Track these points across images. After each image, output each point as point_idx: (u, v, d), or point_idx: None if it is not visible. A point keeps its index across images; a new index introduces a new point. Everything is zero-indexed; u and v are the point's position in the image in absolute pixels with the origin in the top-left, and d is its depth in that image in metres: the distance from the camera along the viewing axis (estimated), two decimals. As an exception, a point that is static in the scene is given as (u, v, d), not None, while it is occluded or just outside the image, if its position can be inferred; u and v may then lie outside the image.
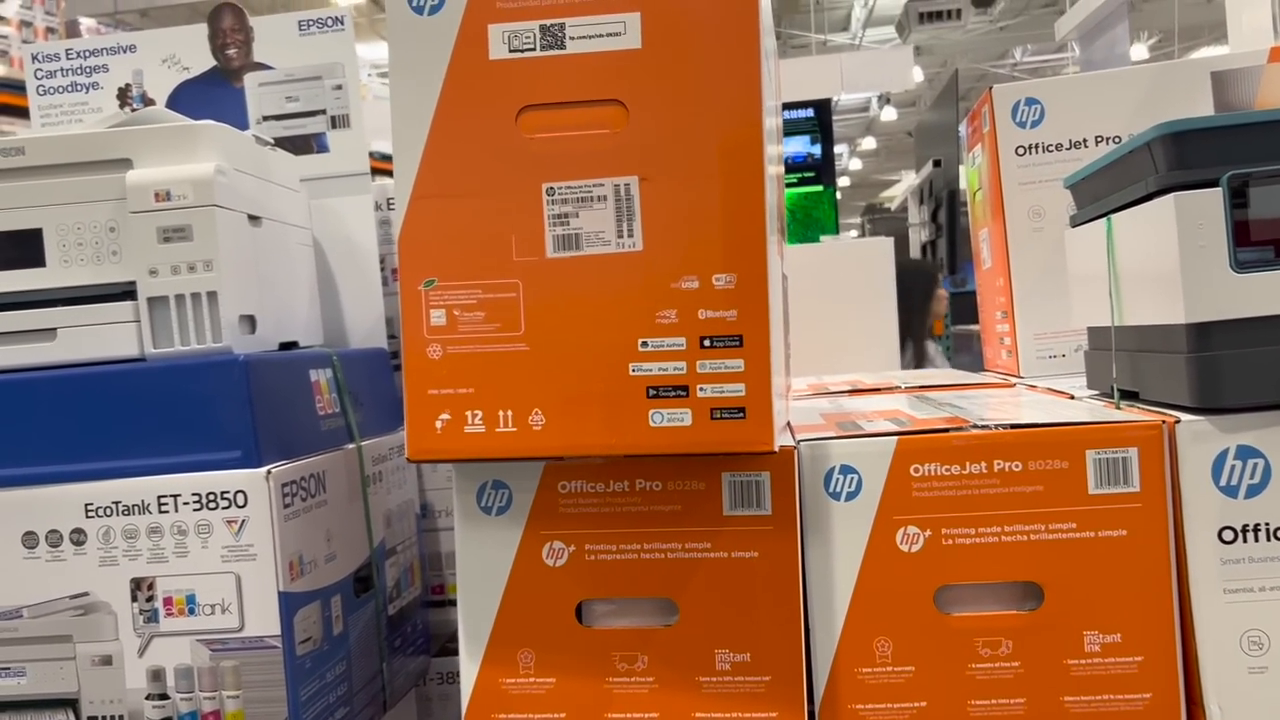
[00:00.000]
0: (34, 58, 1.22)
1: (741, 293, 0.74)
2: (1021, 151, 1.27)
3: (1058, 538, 0.79)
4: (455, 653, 0.94)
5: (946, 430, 0.81)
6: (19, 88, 5.14)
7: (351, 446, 1.03)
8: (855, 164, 15.53)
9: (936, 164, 4.00)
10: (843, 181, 15.93)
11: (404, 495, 1.16)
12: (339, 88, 1.19)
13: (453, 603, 1.23)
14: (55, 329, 0.91)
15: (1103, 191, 0.93)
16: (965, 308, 4.92)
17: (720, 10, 0.74)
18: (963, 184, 4.14)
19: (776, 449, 0.74)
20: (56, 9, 6.34)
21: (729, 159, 0.74)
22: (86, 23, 6.86)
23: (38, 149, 0.91)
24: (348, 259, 1.21)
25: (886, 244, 1.90)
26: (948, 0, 9.02)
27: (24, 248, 0.91)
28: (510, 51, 0.76)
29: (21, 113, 5.95)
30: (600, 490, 0.83)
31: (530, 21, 0.76)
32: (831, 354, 1.74)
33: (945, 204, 3.95)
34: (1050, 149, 1.26)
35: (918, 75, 8.22)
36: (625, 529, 0.82)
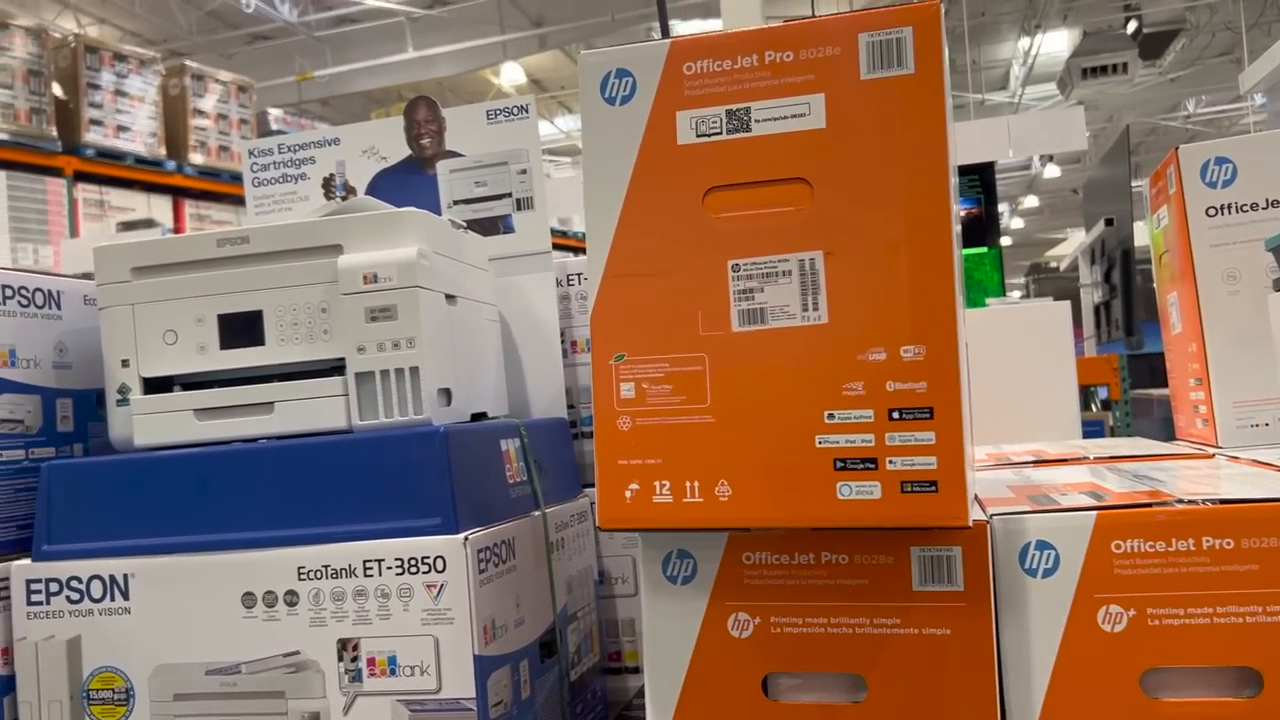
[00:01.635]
0: (250, 153, 1.34)
1: (931, 364, 0.74)
2: (1213, 212, 1.22)
3: (1277, 621, 0.74)
4: (637, 721, 0.95)
5: (1149, 505, 0.78)
6: (216, 175, 5.56)
7: (537, 513, 1.07)
8: (1017, 223, 15.10)
9: (1109, 223, 3.85)
10: (1004, 241, 15.50)
11: (584, 561, 1.19)
12: (523, 172, 1.25)
13: (630, 670, 1.24)
14: (273, 403, 0.99)
15: (1311, 254, 0.88)
16: (1141, 371, 4.69)
17: (905, 88, 0.75)
18: (1139, 242, 3.97)
19: (970, 524, 0.73)
20: (249, 102, 6.90)
21: (916, 232, 0.74)
22: (274, 112, 7.43)
23: (260, 238, 1.00)
24: (530, 333, 1.26)
25: (1063, 309, 1.84)
26: (1112, 55, 8.76)
27: (246, 328, 1.00)
28: (698, 136, 0.79)
29: (218, 198, 6.44)
30: (785, 562, 0.83)
31: (717, 107, 0.79)
32: (1008, 422, 1.69)
33: (1119, 264, 3.79)
34: (1244, 209, 1.21)
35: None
36: (811, 602, 0.82)
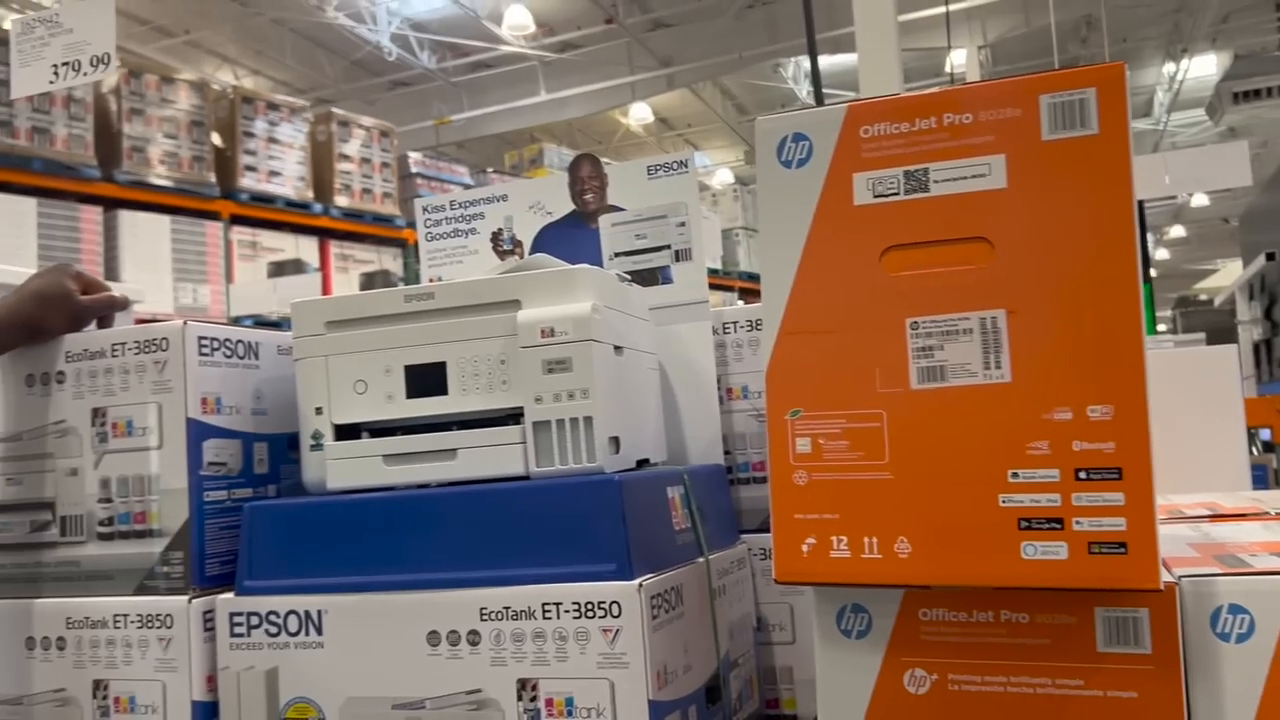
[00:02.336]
0: (424, 209, 1.41)
1: (1120, 424, 0.73)
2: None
3: None
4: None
5: (1354, 571, 0.75)
6: (359, 216, 5.80)
7: (700, 560, 1.09)
8: (1163, 254, 14.49)
9: (1270, 257, 3.68)
10: (1149, 273, 14.88)
11: (744, 608, 1.20)
12: (682, 224, 1.29)
13: (788, 717, 1.24)
14: (456, 449, 1.04)
15: None
16: (1308, 411, 4.42)
17: (1088, 148, 0.75)
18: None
19: (1161, 586, 0.72)
20: (390, 146, 7.21)
21: (1102, 290, 0.74)
22: (414, 156, 7.75)
23: (444, 293, 1.06)
24: (688, 380, 1.29)
25: (1229, 353, 1.77)
26: (1267, 77, 8.36)
27: (431, 378, 1.05)
28: (875, 197, 0.81)
29: (361, 238, 6.72)
30: (963, 619, 0.83)
31: (894, 169, 0.80)
32: (1174, 471, 1.63)
33: (1281, 299, 3.61)
34: None
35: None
36: (990, 660, 0.82)
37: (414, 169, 7.60)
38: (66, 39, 1.31)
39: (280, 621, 1.02)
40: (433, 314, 1.06)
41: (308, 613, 1.02)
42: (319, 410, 1.08)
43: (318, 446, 1.08)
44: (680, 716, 0.97)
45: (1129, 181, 0.74)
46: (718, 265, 8.39)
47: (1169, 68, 10.11)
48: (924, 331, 0.79)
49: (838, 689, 0.86)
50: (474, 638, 0.96)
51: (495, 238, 1.37)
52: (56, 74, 1.33)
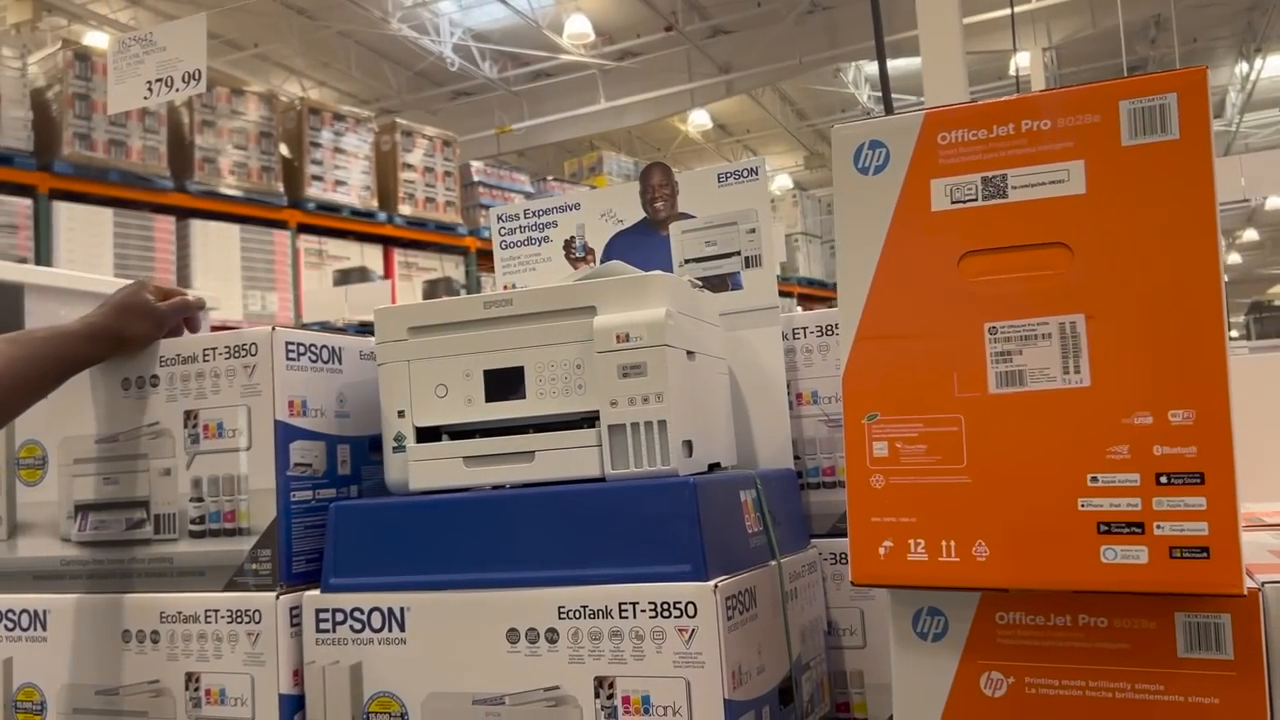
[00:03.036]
0: (499, 218, 1.45)
1: (1202, 429, 0.73)
2: None
3: None
4: (879, 773, 0.97)
5: None
6: (423, 224, 5.90)
7: (773, 564, 1.10)
8: (1235, 258, 14.13)
9: (1349, 261, 3.58)
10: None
11: (814, 612, 1.21)
12: (752, 231, 1.30)
13: (859, 721, 1.25)
14: (533, 451, 1.06)
15: None
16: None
17: (1169, 154, 0.75)
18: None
19: (1245, 591, 0.72)
20: (453, 155, 7.31)
21: (1185, 297, 0.74)
22: (476, 165, 7.85)
23: (522, 300, 1.08)
24: (758, 385, 1.30)
25: (1310, 358, 1.74)
26: (1345, 75, 8.12)
27: (510, 383, 1.08)
28: (952, 203, 0.82)
29: (424, 246, 6.82)
30: (1040, 623, 0.83)
31: (972, 175, 0.81)
32: (1250, 478, 1.60)
33: (1362, 304, 3.51)
34: None
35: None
36: (1068, 664, 0.82)
37: (476, 178, 7.70)
38: (160, 57, 1.37)
39: (364, 618, 1.06)
40: (511, 320, 1.09)
41: (390, 610, 1.05)
42: (401, 413, 1.11)
43: (400, 448, 1.11)
44: (755, 717, 0.98)
45: (1211, 186, 0.74)
46: (778, 271, 8.37)
47: (1242, 67, 9.87)
48: (1002, 336, 0.80)
49: (914, 692, 0.86)
50: (552, 635, 0.98)
51: (568, 245, 1.40)
52: (150, 90, 1.39)
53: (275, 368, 1.12)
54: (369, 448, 1.23)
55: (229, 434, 1.14)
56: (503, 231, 1.44)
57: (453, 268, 7.18)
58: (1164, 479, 0.74)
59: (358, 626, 1.06)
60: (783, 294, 8.43)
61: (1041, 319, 0.79)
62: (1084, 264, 0.78)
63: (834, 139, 0.87)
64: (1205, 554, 0.73)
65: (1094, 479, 0.76)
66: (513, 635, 1.00)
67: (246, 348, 1.13)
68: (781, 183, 12.87)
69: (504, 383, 1.08)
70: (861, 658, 1.25)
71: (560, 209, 1.40)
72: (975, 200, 0.81)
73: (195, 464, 1.15)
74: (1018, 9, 6.80)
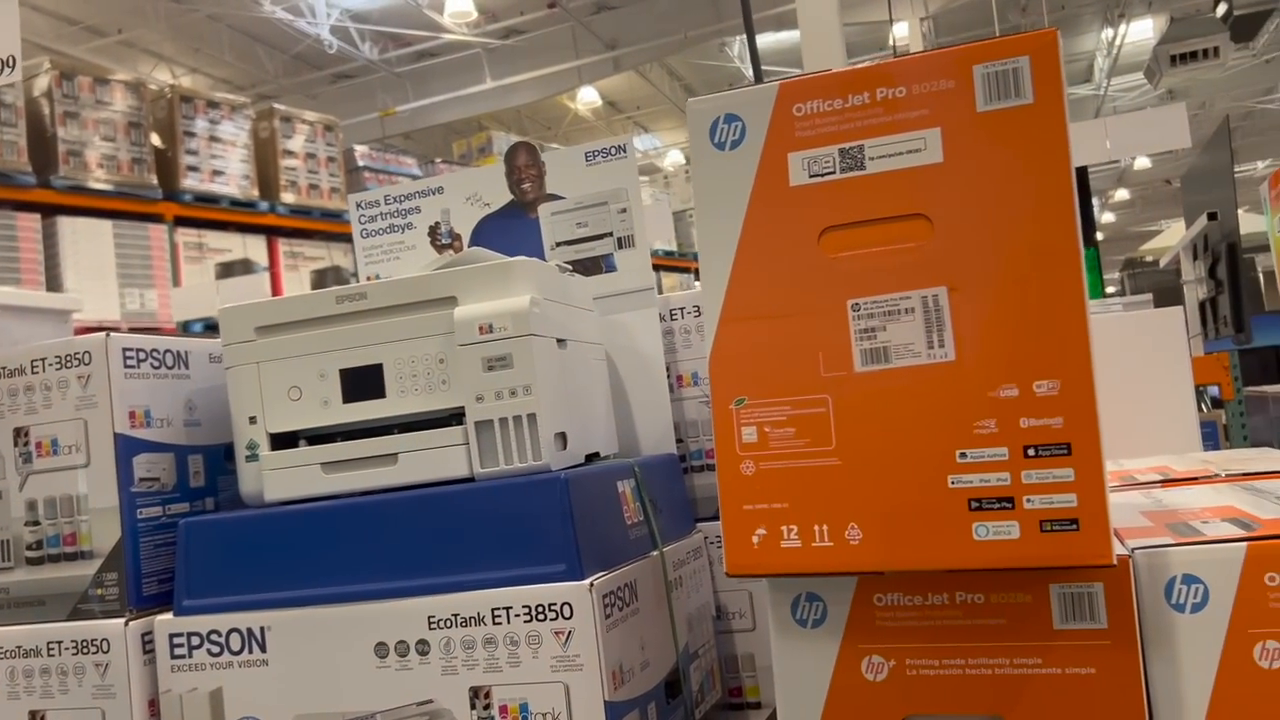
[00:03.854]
0: (358, 205, 1.37)
1: (1066, 399, 0.72)
2: (1343, 214, 1.16)
3: None
4: (768, 762, 0.94)
5: (1304, 535, 0.74)
6: (307, 212, 5.72)
7: (655, 553, 1.07)
8: (1108, 217, 14.68)
9: (1212, 216, 3.72)
10: (1096, 236, 15.09)
11: (702, 598, 1.18)
12: (624, 211, 1.26)
13: (752, 705, 1.23)
14: (397, 454, 1.01)
15: None
16: (1253, 367, 4.49)
17: (1024, 118, 0.73)
18: (1245, 230, 3.82)
19: (1114, 561, 0.71)
20: (335, 140, 7.10)
21: (1043, 264, 0.73)
22: (360, 149, 7.64)
23: (377, 293, 1.02)
24: (637, 369, 1.27)
25: (1176, 315, 1.78)
26: (1202, 39, 8.47)
27: (368, 381, 1.02)
28: (810, 177, 0.79)
29: (309, 235, 6.63)
30: (918, 603, 0.81)
31: (829, 146, 0.78)
32: (1125, 434, 1.64)
33: (1225, 258, 3.65)
34: (1378, 209, 1.16)
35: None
36: (947, 643, 0.80)
37: (361, 162, 7.49)
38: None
39: (222, 640, 0.99)
40: (366, 314, 1.03)
41: (250, 630, 0.98)
42: (253, 419, 1.04)
43: (253, 457, 1.04)
44: (639, 715, 0.95)
45: (1066, 150, 0.73)
46: (673, 247, 8.36)
47: (1107, 33, 10.20)
48: (866, 313, 0.78)
49: (796, 680, 0.84)
50: (423, 647, 0.93)
51: (433, 231, 1.33)
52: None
53: (112, 377, 1.04)
54: (225, 457, 1.16)
55: (65, 450, 1.05)
56: (363, 220, 1.37)
57: (341, 255, 6.98)
58: (1032, 451, 0.73)
59: (216, 650, 0.99)
60: (680, 269, 8.44)
61: (904, 293, 0.76)
62: (944, 235, 0.75)
63: (689, 113, 0.83)
64: (1075, 526, 0.72)
65: (963, 455, 0.74)
66: (381, 649, 0.95)
67: (79, 356, 1.05)
68: (674, 158, 12.87)
69: (362, 382, 1.02)
70: (751, 640, 1.24)
71: (423, 194, 1.34)
72: (833, 173, 0.78)
73: (29, 485, 1.06)
74: (895, -21, 6.88)
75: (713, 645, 1.20)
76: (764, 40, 9.32)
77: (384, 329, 1.02)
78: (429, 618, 0.93)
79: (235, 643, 0.98)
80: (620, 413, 1.27)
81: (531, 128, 12.27)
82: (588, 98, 11.24)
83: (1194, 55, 8.56)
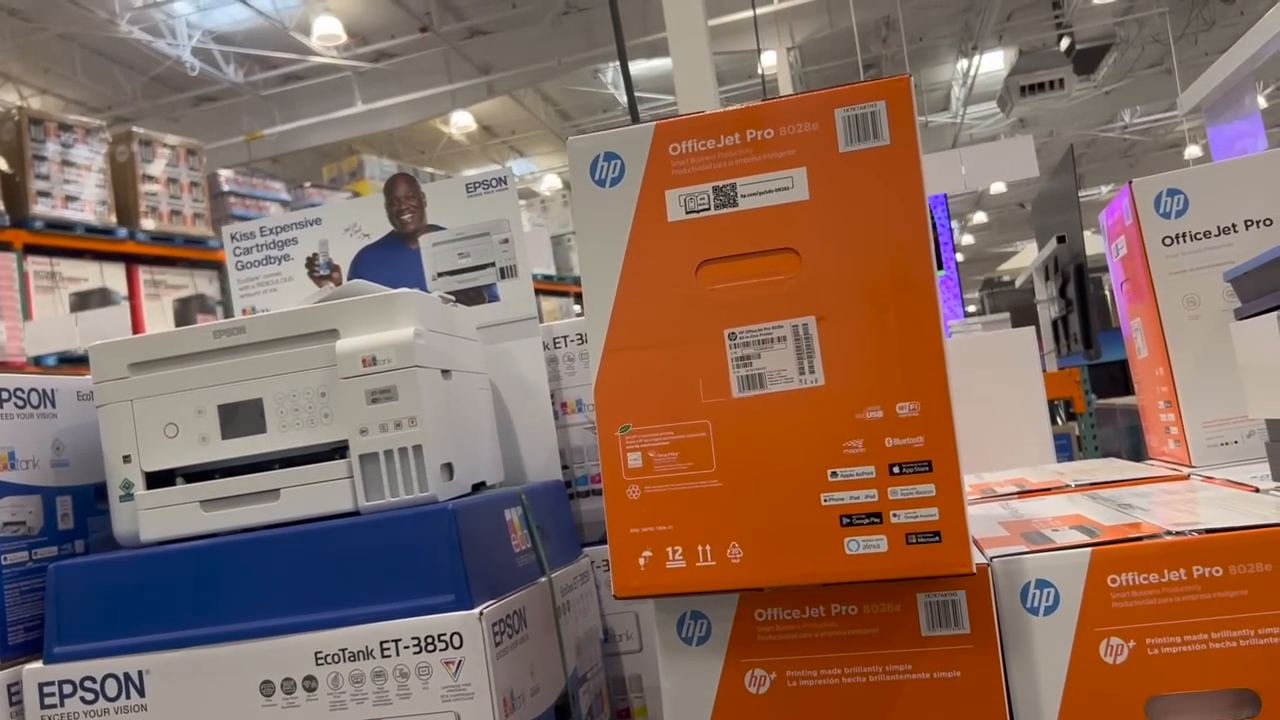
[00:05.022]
0: (232, 237, 1.35)
1: (926, 419, 0.77)
2: (1169, 241, 1.27)
3: (1269, 642, 0.78)
4: (658, 779, 0.97)
5: (1140, 539, 0.81)
6: (169, 239, 5.52)
7: (543, 580, 1.09)
8: (968, 239, 15.36)
9: (1060, 240, 3.95)
10: (957, 258, 15.75)
11: (590, 622, 1.20)
12: (505, 241, 1.28)
13: (640, 726, 1.25)
14: (278, 489, 1.00)
15: (1270, 285, 0.93)
16: (1102, 380, 4.78)
17: (882, 158, 0.79)
18: (1091, 251, 4.07)
19: (974, 570, 0.76)
20: (199, 164, 6.88)
21: (902, 294, 0.78)
22: (225, 173, 7.42)
23: (256, 327, 1.02)
24: (521, 398, 1.28)
25: (1028, 335, 1.90)
26: (1049, 71, 8.99)
27: (247, 417, 1.01)
28: (687, 213, 0.83)
29: (172, 263, 6.40)
30: (797, 616, 0.85)
31: (704, 184, 0.82)
32: (984, 449, 1.73)
33: (1073, 278, 3.89)
34: (1198, 237, 1.26)
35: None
36: (824, 654, 0.85)
37: (226, 187, 7.27)
38: None
39: (97, 687, 0.96)
40: (245, 349, 1.02)
41: (127, 674, 0.96)
42: (127, 458, 1.02)
43: (128, 497, 1.02)
44: (530, 740, 0.96)
45: (920, 188, 0.78)
46: (551, 271, 8.37)
47: (962, 64, 10.73)
48: (742, 341, 0.81)
49: (683, 697, 0.87)
50: (310, 684, 0.93)
51: (311, 263, 1.32)
52: None
53: (-27, 419, 1.00)
54: (95, 497, 1.12)
55: (-79, 497, 1.00)
56: (238, 252, 1.35)
57: (206, 283, 6.75)
58: (896, 469, 0.77)
59: (90, 698, 0.96)
60: (559, 294, 8.45)
61: (776, 323, 0.81)
62: (811, 268, 0.80)
63: (570, 151, 0.86)
64: (937, 538, 0.77)
65: (834, 474, 0.79)
66: (267, 688, 0.94)
67: (-64, 399, 1.01)
68: (550, 183, 12.91)
69: (241, 417, 1.01)
70: (639, 662, 1.26)
71: (300, 225, 1.33)
72: (708, 210, 0.82)
73: (-119, 535, 1.01)
74: (761, 10, 7.10)
75: (601, 668, 1.22)
76: (637, 68, 9.47)
77: (264, 363, 1.01)
78: (316, 653, 0.93)
79: (111, 689, 0.96)
80: (506, 441, 1.28)
81: (404, 151, 12.13)
82: (462, 122, 11.18)
83: (1041, 86, 9.08)
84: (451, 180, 1.28)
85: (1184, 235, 1.27)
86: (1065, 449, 3.59)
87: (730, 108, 0.83)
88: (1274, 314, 0.91)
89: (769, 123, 0.81)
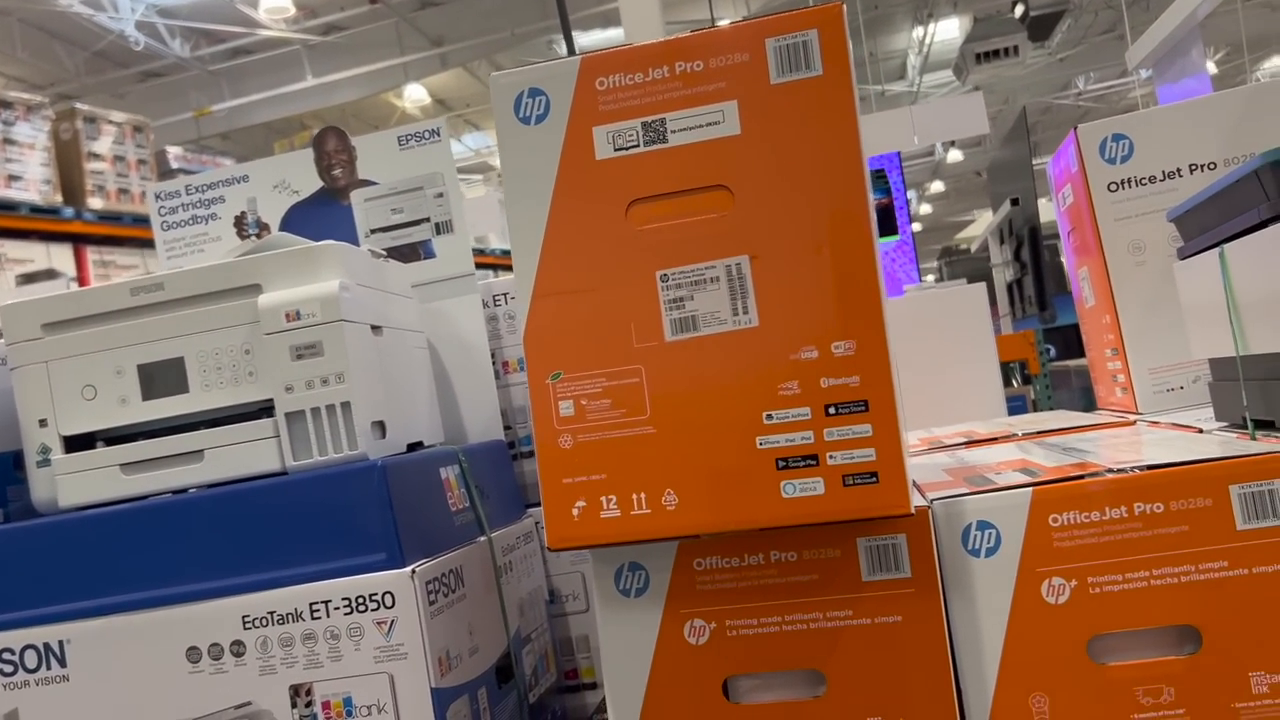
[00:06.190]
0: (157, 196, 1.30)
1: (862, 358, 0.75)
2: (1114, 187, 1.26)
3: (1209, 577, 0.77)
4: (601, 737, 0.95)
5: (1081, 477, 0.80)
6: (118, 219, 5.40)
7: (483, 539, 1.06)
8: (926, 208, 15.44)
9: (1014, 203, 3.97)
10: (915, 227, 15.83)
11: (534, 582, 1.18)
12: (440, 195, 1.24)
13: (588, 686, 1.24)
14: (202, 450, 0.96)
15: (1211, 223, 0.92)
16: (1056, 343, 4.83)
17: (814, 90, 0.76)
18: (1045, 218, 4.09)
19: (913, 511, 0.75)
20: (147, 141, 6.72)
21: (837, 230, 0.76)
22: (174, 150, 7.26)
23: (175, 283, 0.98)
24: (461, 357, 1.25)
25: (979, 292, 1.89)
26: (1003, 39, 9.01)
27: (168, 377, 0.97)
28: (615, 150, 0.80)
29: (121, 242, 6.27)
30: (736, 565, 0.83)
31: (632, 120, 0.79)
32: (937, 405, 1.73)
33: (1027, 241, 3.90)
34: (1143, 182, 1.26)
35: (981, 115, 8.18)
36: (764, 602, 0.83)
37: (175, 164, 7.10)
38: None
39: (16, 659, 0.92)
40: (164, 306, 0.98)
41: (47, 645, 0.92)
42: (43, 422, 0.98)
43: (45, 462, 0.98)
44: (469, 701, 0.94)
45: (854, 121, 0.76)
46: (507, 246, 8.30)
47: (918, 32, 10.72)
48: (674, 283, 0.79)
49: (621, 649, 0.85)
50: (238, 648, 0.90)
51: (239, 222, 1.28)
52: None
53: (-124, 384, 0.96)
54: (14, 465, 1.08)
55: None
56: (163, 212, 1.30)
57: (158, 264, 6.62)
58: (832, 410, 0.75)
59: (8, 669, 0.92)
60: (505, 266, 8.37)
61: (709, 263, 0.78)
62: (744, 205, 0.78)
63: (492, 88, 0.82)
64: (874, 479, 0.75)
65: (769, 416, 0.76)
66: (194, 654, 0.90)
67: None
68: (507, 157, 12.74)
69: (162, 377, 0.97)
70: (585, 622, 1.24)
71: (226, 182, 1.28)
72: (638, 146, 0.79)
73: None
74: (716, -22, 7.04)
75: (546, 629, 1.20)
76: (590, 38, 9.37)
77: (184, 320, 0.97)
78: (244, 617, 0.90)
79: (31, 660, 0.92)
80: (445, 401, 1.25)
81: (357, 126, 11.95)
82: (415, 95, 11.02)
83: (996, 54, 9.09)
84: (383, 133, 1.24)
85: (1129, 180, 1.26)
86: (1022, 409, 3.61)
87: (653, 37, 0.80)
88: (1215, 251, 0.90)
89: (698, 54, 0.78)
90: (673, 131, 0.79)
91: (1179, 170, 1.24)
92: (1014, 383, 4.30)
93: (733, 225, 0.78)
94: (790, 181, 0.77)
